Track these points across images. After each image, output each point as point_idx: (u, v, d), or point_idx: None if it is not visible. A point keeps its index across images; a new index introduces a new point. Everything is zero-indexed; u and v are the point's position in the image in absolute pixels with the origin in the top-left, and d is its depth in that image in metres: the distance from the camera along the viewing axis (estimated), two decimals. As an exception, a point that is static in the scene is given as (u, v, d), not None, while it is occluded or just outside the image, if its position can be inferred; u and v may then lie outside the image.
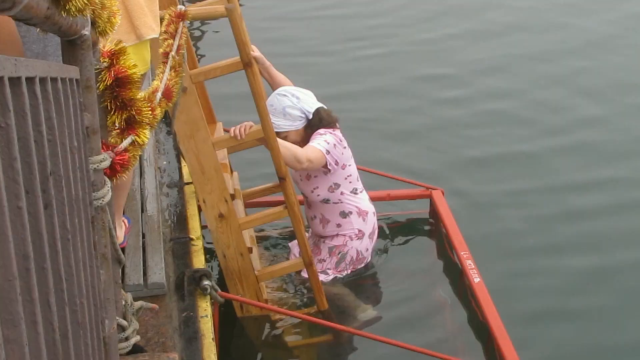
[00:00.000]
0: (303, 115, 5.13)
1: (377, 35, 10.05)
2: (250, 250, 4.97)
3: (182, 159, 5.37)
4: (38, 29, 1.87)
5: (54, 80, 1.78)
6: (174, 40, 3.46)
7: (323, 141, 5.09)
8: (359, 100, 8.34)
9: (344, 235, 5.32)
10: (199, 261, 4.53)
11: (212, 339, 3.91)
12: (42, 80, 1.66)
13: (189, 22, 4.03)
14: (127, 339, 2.94)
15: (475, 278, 5.23)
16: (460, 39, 9.87)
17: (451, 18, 10.43)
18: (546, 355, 4.98)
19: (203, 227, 5.01)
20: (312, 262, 5.05)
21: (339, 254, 5.33)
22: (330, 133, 5.14)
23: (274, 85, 5.31)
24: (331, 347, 5.03)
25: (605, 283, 5.56)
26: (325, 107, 5.22)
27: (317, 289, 5.12)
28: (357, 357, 4.99)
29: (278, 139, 4.83)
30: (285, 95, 5.13)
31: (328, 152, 5.08)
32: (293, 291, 5.39)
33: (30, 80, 1.56)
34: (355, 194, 5.31)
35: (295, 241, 5.36)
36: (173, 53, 3.32)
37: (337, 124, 5.24)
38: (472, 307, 5.20)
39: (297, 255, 5.34)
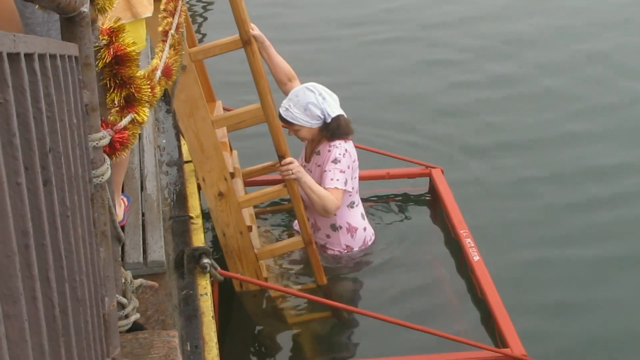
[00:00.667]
0: (322, 117, 5.08)
1: (384, 20, 10.02)
2: (249, 228, 4.97)
3: (181, 137, 5.37)
4: (37, 6, 1.87)
5: (53, 57, 1.78)
6: (173, 18, 3.44)
7: (339, 172, 5.08)
8: (360, 80, 8.34)
9: (332, 249, 5.33)
10: (198, 239, 4.54)
11: (212, 316, 3.92)
12: (41, 57, 1.66)
13: (187, 0, 4.02)
14: (126, 316, 2.95)
15: (475, 256, 5.24)
16: (464, 23, 9.86)
17: (460, 3, 10.39)
18: (544, 331, 4.99)
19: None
20: (312, 240, 5.06)
21: (332, 260, 5.35)
22: (345, 151, 5.12)
23: (271, 66, 5.26)
24: (330, 324, 5.05)
25: (610, 270, 5.54)
26: (346, 115, 5.17)
27: (317, 266, 5.14)
28: (355, 334, 5.01)
29: (315, 186, 4.97)
30: (312, 91, 5.10)
31: (346, 182, 5.11)
32: (292, 267, 5.40)
33: (29, 56, 1.56)
34: (351, 207, 5.30)
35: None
36: (172, 31, 3.31)
37: (351, 136, 5.23)
38: (471, 284, 5.21)
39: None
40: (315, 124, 5.10)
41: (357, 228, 5.33)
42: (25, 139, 1.51)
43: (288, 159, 4.86)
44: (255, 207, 5.71)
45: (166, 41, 3.20)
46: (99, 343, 2.32)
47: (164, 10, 3.54)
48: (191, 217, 4.70)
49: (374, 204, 6.11)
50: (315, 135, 5.19)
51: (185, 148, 5.30)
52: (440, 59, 8.87)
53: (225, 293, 5.00)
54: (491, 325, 4.85)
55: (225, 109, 5.76)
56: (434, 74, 8.50)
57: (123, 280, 2.91)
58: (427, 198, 6.16)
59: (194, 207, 4.81)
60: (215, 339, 3.78)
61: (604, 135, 7.26)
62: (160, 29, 3.34)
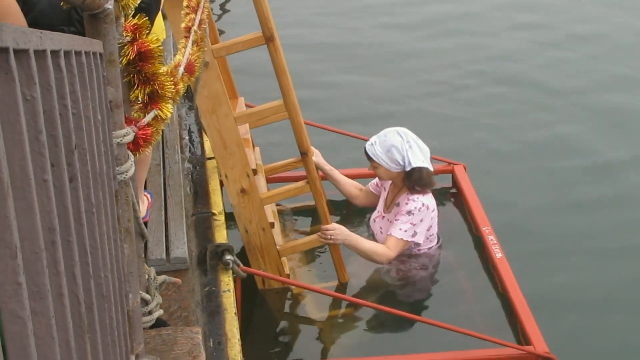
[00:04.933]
0: (402, 164, 5.12)
1: (398, 12, 10.01)
2: (272, 225, 4.97)
3: (204, 134, 5.38)
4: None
5: (78, 53, 1.78)
6: (195, 14, 3.45)
7: (409, 224, 5.13)
8: (383, 74, 8.32)
9: (404, 270, 5.33)
10: (221, 236, 4.54)
11: (235, 313, 3.93)
12: (67, 54, 1.67)
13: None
14: (150, 313, 2.96)
15: (497, 253, 5.22)
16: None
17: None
18: (568, 328, 4.97)
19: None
20: (334, 237, 5.06)
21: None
22: (422, 205, 5.16)
23: (339, 186, 5.69)
24: (352, 321, 5.04)
25: (638, 267, 5.51)
26: (431, 168, 5.22)
27: (339, 263, 5.14)
28: (376, 331, 5.00)
29: (361, 245, 5.08)
30: (400, 137, 5.15)
31: (414, 234, 5.15)
32: (314, 265, 5.40)
33: (55, 53, 1.56)
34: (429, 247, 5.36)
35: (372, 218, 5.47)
36: (195, 27, 3.32)
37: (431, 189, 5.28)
38: (494, 281, 5.19)
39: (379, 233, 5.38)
40: (394, 167, 5.15)
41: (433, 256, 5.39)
42: (51, 135, 1.52)
43: (330, 225, 4.99)
44: (277, 203, 5.71)
45: (189, 37, 3.20)
46: (123, 339, 2.33)
47: (187, 6, 3.54)
48: (214, 214, 4.70)
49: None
50: (394, 180, 5.26)
51: (207, 144, 5.30)
52: (463, 53, 8.84)
53: (247, 289, 5.00)
54: (514, 322, 4.83)
55: (247, 106, 5.76)
56: (459, 69, 8.47)
57: (146, 277, 2.92)
58: (450, 195, 6.14)
59: (217, 204, 4.81)
60: (237, 336, 3.78)
61: (629, 131, 7.23)
62: (182, 25, 3.34)
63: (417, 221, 5.13)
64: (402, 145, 5.10)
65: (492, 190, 6.28)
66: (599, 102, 7.74)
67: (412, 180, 5.13)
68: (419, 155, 5.13)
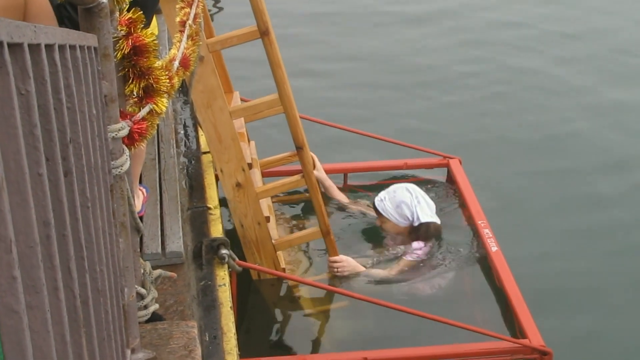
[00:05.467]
0: (410, 219, 5.31)
1: (396, 12, 10.01)
2: (267, 219, 4.97)
3: (199, 128, 5.38)
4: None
5: (72, 48, 1.78)
6: (190, 8, 3.44)
7: (416, 256, 5.28)
8: (377, 69, 8.32)
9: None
10: (216, 230, 4.54)
11: (230, 307, 3.93)
12: (61, 48, 1.66)
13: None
14: (145, 307, 2.95)
15: (493, 247, 5.22)
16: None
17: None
18: (563, 322, 4.98)
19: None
20: (330, 231, 5.06)
21: None
22: (424, 252, 5.31)
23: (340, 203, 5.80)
24: (347, 314, 5.05)
25: (631, 262, 5.52)
26: (439, 222, 5.38)
27: (333, 255, 5.15)
28: (372, 324, 5.00)
29: (372, 274, 5.21)
30: (409, 193, 5.34)
31: (418, 257, 5.28)
32: (310, 258, 5.40)
33: (49, 47, 1.56)
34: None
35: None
36: (190, 22, 3.31)
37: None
38: (489, 275, 5.20)
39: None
40: (403, 223, 5.33)
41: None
42: (46, 130, 1.51)
43: (338, 258, 5.13)
44: (272, 197, 5.71)
45: (184, 32, 3.20)
46: (119, 333, 2.33)
47: (182, 0, 3.54)
48: (209, 208, 4.70)
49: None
50: (400, 233, 5.39)
51: (203, 139, 5.30)
52: (458, 48, 8.85)
53: (243, 284, 5.00)
54: (509, 315, 4.83)
55: (242, 100, 5.76)
56: (451, 64, 8.48)
57: (142, 271, 2.91)
58: (445, 188, 6.14)
59: (212, 198, 4.81)
60: (233, 330, 3.78)
61: (625, 128, 7.23)
62: (177, 19, 3.33)
63: (421, 256, 5.31)
64: (412, 201, 5.30)
65: (488, 183, 6.28)
66: (598, 99, 7.75)
67: (420, 234, 5.32)
68: (427, 211, 5.34)
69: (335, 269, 5.13)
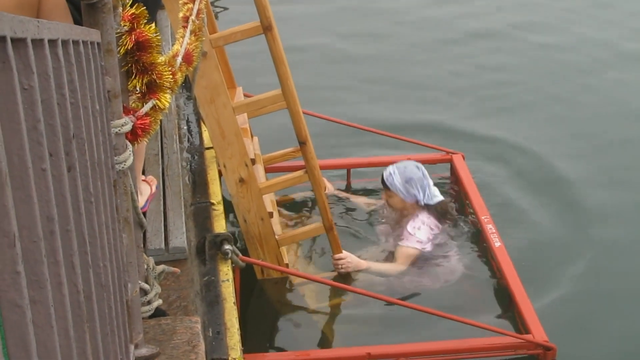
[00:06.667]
0: (419, 197, 5.29)
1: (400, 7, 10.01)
2: (270, 214, 4.97)
3: (202, 123, 5.38)
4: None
5: (75, 43, 1.78)
6: (193, 4, 3.44)
7: (416, 242, 5.23)
8: (382, 65, 8.32)
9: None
10: (219, 225, 4.54)
11: (234, 302, 3.92)
12: (64, 43, 1.66)
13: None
14: (149, 302, 2.96)
15: (496, 242, 5.22)
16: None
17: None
18: (567, 317, 4.98)
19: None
20: (333, 226, 5.06)
21: None
22: (429, 227, 5.29)
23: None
24: (351, 310, 5.05)
25: (636, 256, 5.52)
26: (445, 199, 5.42)
27: (338, 252, 5.14)
28: (376, 320, 5.00)
29: (375, 268, 5.20)
30: (419, 171, 5.34)
31: (420, 243, 5.23)
32: (314, 254, 5.40)
33: (52, 42, 1.56)
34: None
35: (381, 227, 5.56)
36: (193, 17, 3.31)
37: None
38: (493, 270, 5.20)
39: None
40: (409, 199, 5.31)
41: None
42: (49, 125, 1.52)
43: (342, 255, 5.11)
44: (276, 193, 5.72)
45: (187, 27, 3.20)
46: (122, 329, 2.33)
47: (185, -4, 3.54)
48: (212, 204, 4.70)
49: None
50: (405, 210, 5.37)
51: (206, 134, 5.30)
52: (460, 43, 8.84)
53: (246, 279, 5.00)
54: (513, 311, 4.83)
55: (245, 95, 5.76)
56: (454, 59, 8.47)
57: (145, 267, 2.92)
58: (448, 184, 6.14)
59: (215, 194, 4.81)
60: (237, 325, 3.78)
61: (625, 120, 7.23)
62: (180, 15, 3.33)
63: (422, 238, 5.25)
64: (422, 180, 5.30)
65: (491, 179, 6.28)
66: (596, 98, 7.74)
67: (437, 210, 5.35)
68: (436, 192, 5.38)
69: (340, 267, 5.12)
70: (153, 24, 3.38)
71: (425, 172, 5.37)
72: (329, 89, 7.76)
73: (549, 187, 6.22)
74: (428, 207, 5.33)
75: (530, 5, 9.86)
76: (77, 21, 2.61)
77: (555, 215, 5.89)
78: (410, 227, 5.25)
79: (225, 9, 9.78)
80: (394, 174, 5.33)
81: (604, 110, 7.40)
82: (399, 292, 5.11)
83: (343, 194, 5.89)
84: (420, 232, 5.25)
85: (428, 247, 5.27)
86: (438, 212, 5.36)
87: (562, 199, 6.07)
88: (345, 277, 5.17)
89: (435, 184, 5.82)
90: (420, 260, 5.26)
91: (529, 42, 8.84)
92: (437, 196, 5.36)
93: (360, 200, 5.88)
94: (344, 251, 5.14)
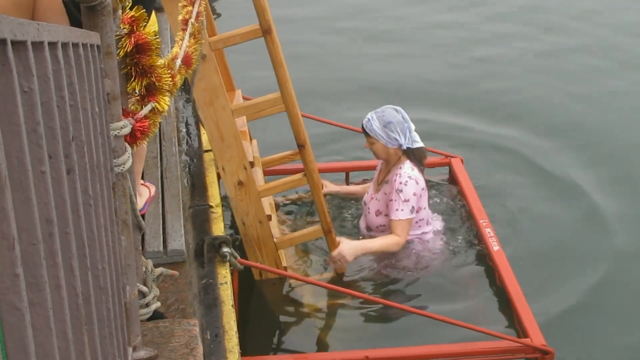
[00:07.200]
0: (401, 142, 5.17)
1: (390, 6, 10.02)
2: (269, 217, 4.97)
3: (201, 126, 5.38)
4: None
5: (75, 45, 1.78)
6: (193, 7, 3.44)
7: (402, 202, 5.14)
8: (378, 70, 8.33)
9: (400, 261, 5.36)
10: (218, 228, 4.54)
11: (232, 305, 3.93)
12: (64, 46, 1.67)
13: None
14: (147, 305, 2.96)
15: (495, 246, 5.22)
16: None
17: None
18: (564, 321, 4.97)
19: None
20: (331, 229, 5.05)
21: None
22: (409, 178, 5.16)
23: (360, 195, 5.73)
24: (349, 313, 5.05)
25: (634, 261, 5.52)
26: (425, 146, 5.32)
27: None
28: (374, 323, 5.00)
29: (372, 247, 5.16)
30: (399, 114, 5.21)
31: (412, 210, 5.18)
32: (312, 256, 5.40)
33: (52, 45, 1.56)
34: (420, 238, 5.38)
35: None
36: (192, 20, 3.31)
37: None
38: (491, 274, 5.20)
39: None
40: (390, 143, 5.18)
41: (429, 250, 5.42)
42: (49, 127, 1.52)
43: (335, 252, 5.05)
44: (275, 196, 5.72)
45: (186, 30, 3.20)
46: (121, 331, 2.33)
47: (184, -1, 3.54)
48: (211, 206, 4.70)
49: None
50: (390, 157, 5.27)
51: (205, 137, 5.30)
52: (460, 45, 8.85)
53: (244, 282, 5.00)
54: (511, 315, 4.83)
55: (244, 98, 5.76)
56: (454, 62, 8.48)
57: (144, 269, 2.92)
58: (447, 187, 6.14)
59: (214, 196, 4.81)
60: (235, 328, 3.78)
61: (621, 123, 7.24)
62: (180, 17, 3.34)
63: (409, 196, 5.14)
64: (402, 123, 5.17)
65: (490, 183, 6.28)
66: (595, 100, 7.75)
67: (409, 154, 5.21)
68: (415, 134, 5.23)
69: (337, 268, 5.11)
70: (150, 24, 3.39)
71: (406, 116, 5.21)
72: (327, 92, 7.77)
73: (548, 192, 6.22)
74: (410, 153, 5.21)
75: (530, 6, 9.88)
76: (78, 20, 2.61)
77: (554, 219, 5.90)
78: (397, 183, 5.15)
79: (219, 15, 9.80)
80: (372, 119, 5.20)
81: (607, 117, 7.40)
82: (396, 293, 5.11)
83: (337, 188, 5.84)
84: (408, 187, 5.13)
85: (420, 213, 5.24)
86: (417, 159, 5.23)
87: (561, 204, 6.08)
88: (343, 279, 5.17)
89: (434, 187, 5.83)
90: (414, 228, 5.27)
91: (532, 47, 8.85)
92: (418, 142, 5.22)
93: (353, 189, 5.89)
94: (338, 239, 5.09)
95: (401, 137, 5.15)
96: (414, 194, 5.15)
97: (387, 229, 5.26)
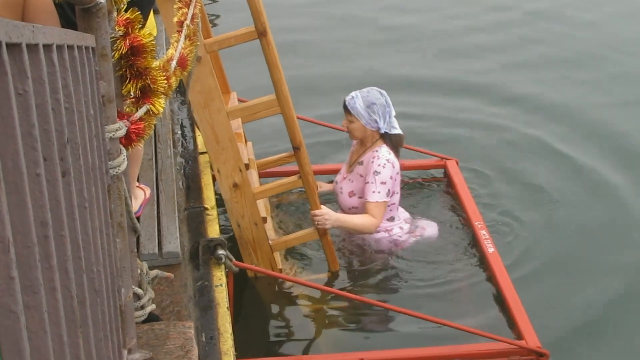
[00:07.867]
0: (380, 125, 5.16)
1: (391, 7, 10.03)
2: (264, 219, 4.97)
3: (196, 128, 5.38)
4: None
5: (70, 48, 1.78)
6: (188, 9, 3.44)
7: (380, 184, 5.14)
8: (374, 69, 8.33)
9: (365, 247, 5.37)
10: (213, 230, 4.54)
11: (227, 307, 3.92)
12: (59, 48, 1.66)
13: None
14: (142, 307, 2.96)
15: (490, 248, 5.23)
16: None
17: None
18: (559, 323, 4.98)
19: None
20: (327, 231, 5.06)
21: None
22: (387, 162, 5.17)
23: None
24: (344, 315, 5.05)
25: (627, 262, 5.52)
26: (403, 134, 5.31)
27: (331, 257, 5.15)
28: (369, 325, 5.00)
29: (349, 222, 5.17)
30: (382, 97, 5.19)
31: (388, 193, 5.18)
32: (306, 257, 5.40)
33: (47, 47, 1.56)
34: (391, 221, 5.35)
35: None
36: (188, 22, 3.31)
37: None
38: (486, 276, 5.20)
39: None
40: (369, 125, 5.17)
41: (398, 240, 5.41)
42: (43, 130, 1.51)
43: (319, 211, 5.00)
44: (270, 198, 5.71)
45: (181, 32, 3.20)
46: (116, 334, 2.33)
47: (179, 1, 3.54)
48: (206, 209, 4.70)
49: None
50: (365, 139, 5.25)
51: (200, 139, 5.30)
52: (455, 48, 8.86)
53: (240, 284, 5.00)
54: (506, 317, 4.83)
55: (240, 100, 5.76)
56: (449, 63, 8.49)
57: (139, 272, 2.91)
58: (442, 189, 6.15)
59: (209, 199, 4.81)
60: (230, 330, 3.78)
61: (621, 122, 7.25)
62: (175, 19, 3.33)
63: (386, 178, 5.15)
64: (384, 107, 5.16)
65: (484, 185, 6.28)
66: (594, 101, 7.77)
67: (386, 138, 5.21)
68: (395, 122, 5.23)
69: (317, 223, 5.04)
70: (149, 28, 3.39)
71: (389, 100, 5.20)
72: (323, 94, 7.77)
73: (543, 194, 6.22)
74: (387, 138, 5.21)
75: (529, 8, 9.89)
76: (72, 21, 2.61)
77: (549, 222, 5.90)
78: (376, 165, 5.14)
79: (216, 17, 9.79)
80: (356, 98, 5.17)
81: (606, 118, 7.41)
82: (391, 294, 5.11)
83: (332, 187, 5.76)
84: (386, 170, 5.13)
85: (395, 198, 5.26)
86: (394, 145, 5.23)
87: (557, 207, 6.08)
88: (338, 280, 5.17)
89: (429, 189, 5.84)
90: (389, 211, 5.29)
91: (531, 41, 8.87)
92: (397, 128, 5.22)
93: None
94: (322, 206, 5.08)
95: (381, 120, 5.15)
96: (391, 177, 5.16)
97: (359, 211, 5.26)
